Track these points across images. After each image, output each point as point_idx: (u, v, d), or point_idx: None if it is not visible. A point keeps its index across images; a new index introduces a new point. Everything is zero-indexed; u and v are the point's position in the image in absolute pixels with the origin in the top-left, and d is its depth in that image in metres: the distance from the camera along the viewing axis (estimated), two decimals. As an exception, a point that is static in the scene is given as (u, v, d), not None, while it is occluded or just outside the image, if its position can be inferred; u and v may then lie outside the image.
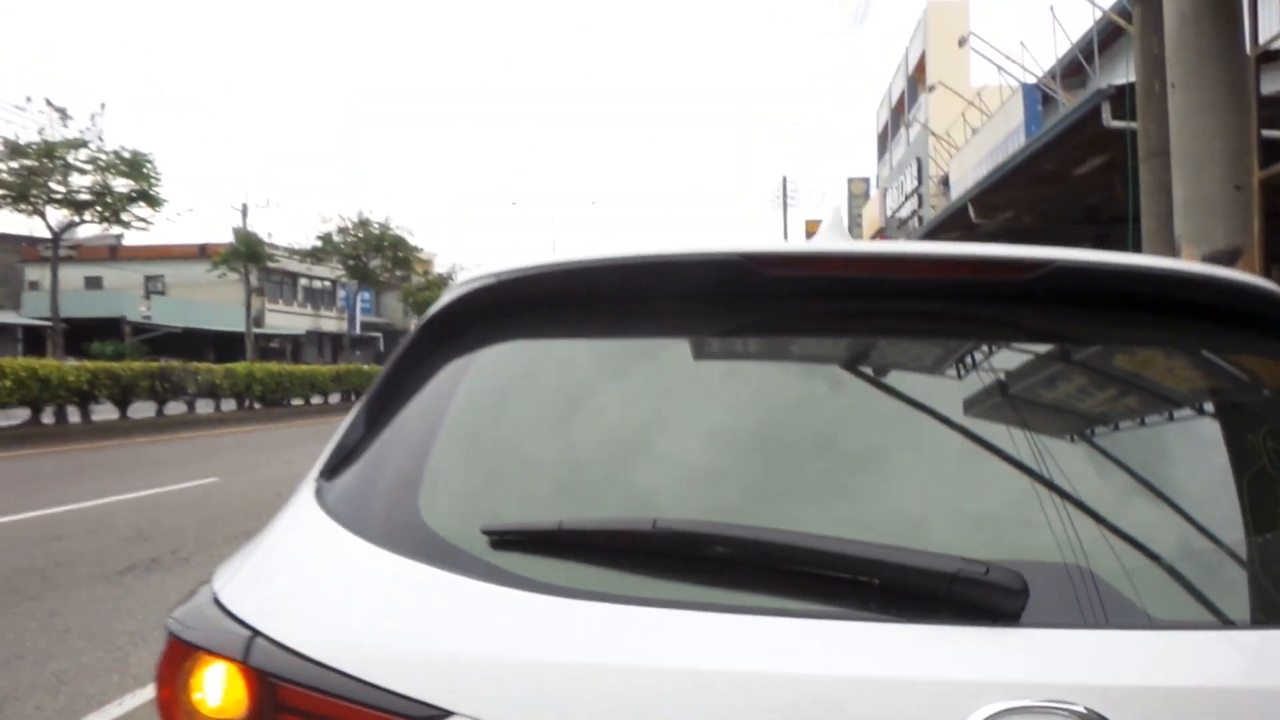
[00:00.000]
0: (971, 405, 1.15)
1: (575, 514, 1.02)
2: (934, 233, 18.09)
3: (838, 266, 1.25)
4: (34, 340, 35.85)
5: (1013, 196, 13.92)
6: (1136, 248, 9.21)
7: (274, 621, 1.01)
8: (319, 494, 1.22)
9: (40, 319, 34.64)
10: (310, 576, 1.11)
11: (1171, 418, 1.25)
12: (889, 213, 30.42)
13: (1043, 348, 1.26)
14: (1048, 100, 14.82)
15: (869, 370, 1.24)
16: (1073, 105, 9.62)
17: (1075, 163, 11.75)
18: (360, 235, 30.48)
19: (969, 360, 1.22)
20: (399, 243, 31.43)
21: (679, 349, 1.27)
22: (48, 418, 14.63)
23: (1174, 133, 6.11)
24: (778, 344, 1.32)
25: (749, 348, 1.32)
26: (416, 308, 47.18)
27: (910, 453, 1.12)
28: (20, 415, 14.41)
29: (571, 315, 1.28)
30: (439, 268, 56.39)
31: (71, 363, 15.93)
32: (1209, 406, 1.27)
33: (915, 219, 25.75)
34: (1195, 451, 1.21)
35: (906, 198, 26.99)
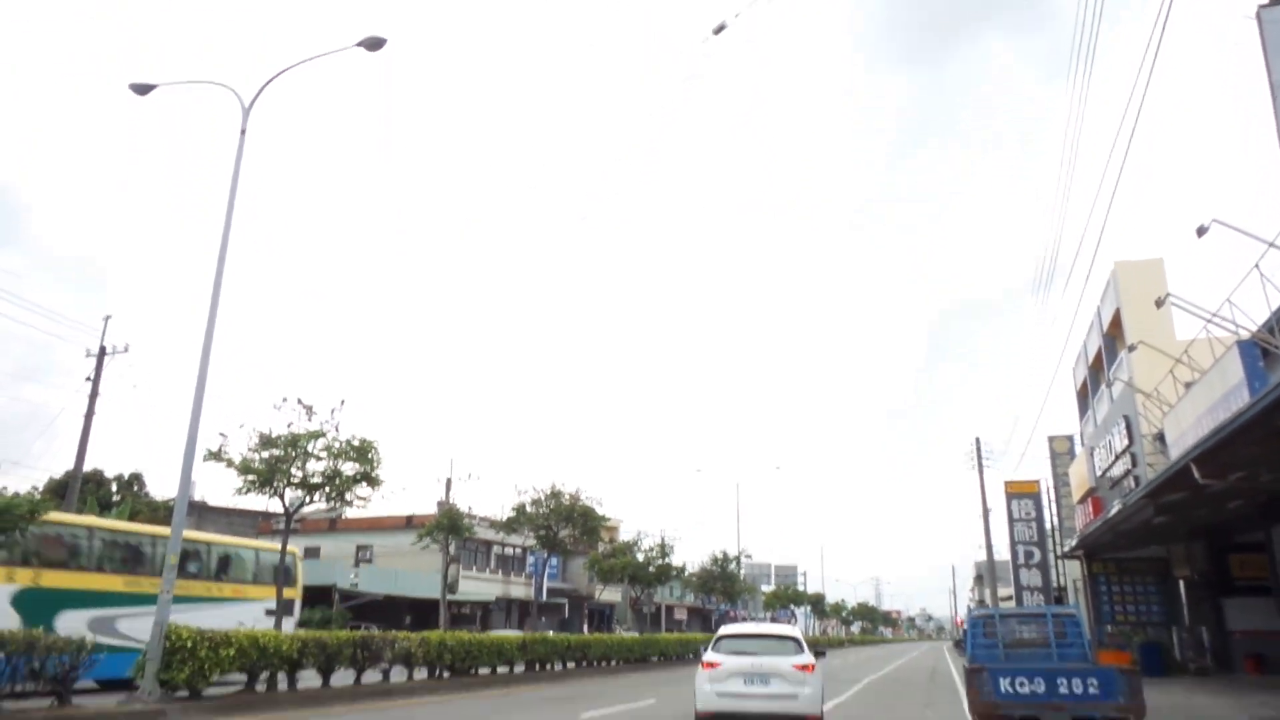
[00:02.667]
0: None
1: None
2: (1156, 493, 16.59)
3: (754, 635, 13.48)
4: (256, 606, 38.61)
5: (1245, 454, 12.69)
6: None
7: None
8: None
9: (264, 587, 37.47)
10: None
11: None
12: (1098, 472, 28.36)
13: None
14: (1267, 354, 13.86)
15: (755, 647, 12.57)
16: (1299, 358, 8.93)
17: (1314, 417, 10.69)
18: (552, 506, 31.61)
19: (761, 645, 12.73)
20: (588, 513, 32.28)
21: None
22: (260, 685, 15.36)
23: None
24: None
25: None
26: (602, 575, 47.32)
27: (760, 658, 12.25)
28: (237, 681, 15.23)
29: None
30: (624, 534, 57.06)
31: (286, 632, 16.89)
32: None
33: (1130, 479, 23.83)
34: None
35: (1117, 457, 25.20)
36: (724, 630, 13.89)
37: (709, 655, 12.60)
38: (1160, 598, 28.18)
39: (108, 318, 26.97)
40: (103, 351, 26.42)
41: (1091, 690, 8.81)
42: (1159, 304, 17.09)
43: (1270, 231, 12.68)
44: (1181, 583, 27.58)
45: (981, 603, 66.00)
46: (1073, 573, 37.83)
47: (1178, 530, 23.05)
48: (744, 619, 72.80)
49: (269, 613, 19.81)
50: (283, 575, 19.84)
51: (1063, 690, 8.88)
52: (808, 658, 12.30)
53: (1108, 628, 27.75)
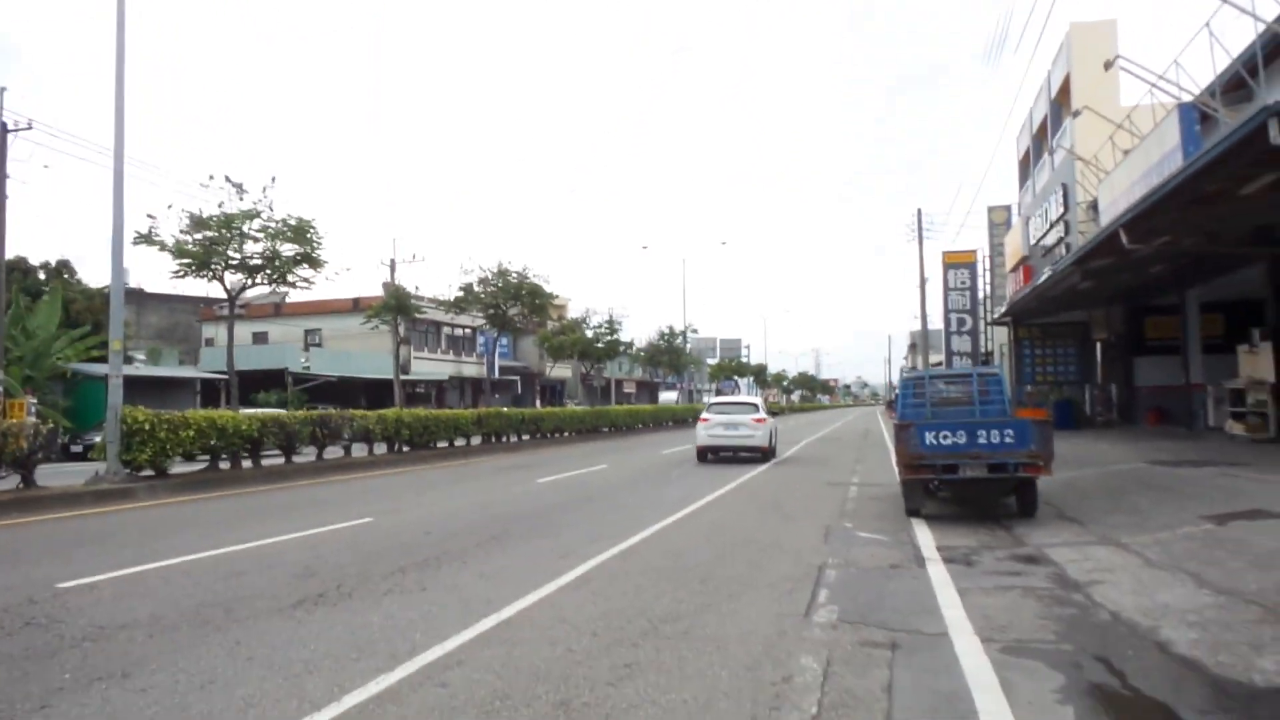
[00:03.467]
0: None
1: None
2: (1084, 259, 17.21)
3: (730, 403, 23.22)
4: (209, 392, 39.05)
5: (1170, 220, 13.08)
6: None
7: None
8: None
9: (216, 372, 37.72)
10: None
11: None
12: (1032, 240, 29.12)
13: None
14: (1206, 119, 13.93)
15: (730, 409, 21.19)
16: (1236, 123, 9.02)
17: (1242, 181, 10.98)
18: (499, 285, 31.67)
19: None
20: (536, 291, 32.47)
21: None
22: (223, 463, 15.86)
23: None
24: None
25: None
26: (552, 352, 48.48)
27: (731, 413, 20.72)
28: (201, 462, 15.69)
29: None
30: (573, 312, 57.92)
31: (244, 413, 17.22)
32: None
33: (1062, 246, 24.55)
34: None
35: (1051, 225, 25.78)
36: (711, 401, 25.77)
37: (704, 415, 20.90)
38: (1078, 359, 30.04)
39: (2, 90, 24.68)
40: (3, 128, 24.57)
41: (1007, 440, 9.55)
42: (1107, 66, 16.84)
43: (1227, -11, 12.33)
44: (1099, 345, 29.32)
45: (914, 368, 69.59)
46: (1000, 338, 39.83)
47: (1100, 295, 24.16)
48: (689, 391, 76.47)
49: None
50: None
51: (981, 441, 9.62)
52: (761, 414, 20.75)
53: (1028, 387, 29.68)
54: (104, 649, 4.98)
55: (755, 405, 21.73)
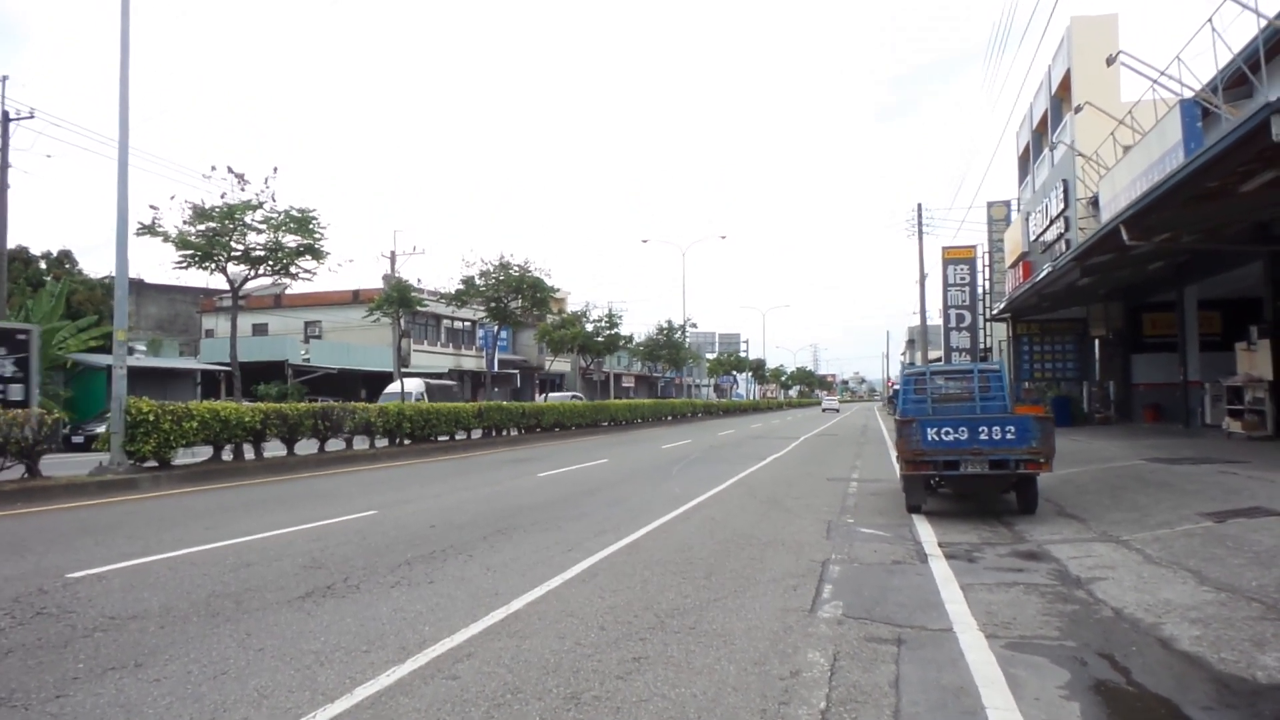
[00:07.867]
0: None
1: None
2: (1084, 255, 17.24)
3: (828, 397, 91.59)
4: (209, 383, 39.05)
5: (1171, 216, 13.12)
6: None
7: None
8: None
9: (216, 364, 37.71)
10: None
11: None
12: (1032, 236, 29.13)
13: None
14: (1208, 115, 13.95)
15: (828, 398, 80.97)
16: (1237, 120, 9.05)
17: (1242, 178, 11.02)
18: (501, 278, 31.62)
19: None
20: (537, 284, 32.39)
21: None
22: (226, 455, 15.90)
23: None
24: None
25: None
26: (552, 345, 48.46)
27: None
28: (204, 453, 15.73)
29: None
30: (572, 305, 57.89)
31: (246, 404, 17.25)
32: None
33: (1062, 242, 24.58)
34: None
35: (1051, 221, 25.80)
36: (824, 396, 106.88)
37: (823, 403, 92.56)
38: (1076, 355, 30.11)
39: (4, 78, 24.61)
40: (5, 117, 24.55)
41: (1008, 436, 9.60)
42: (1109, 62, 16.84)
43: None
44: (1097, 341, 29.37)
45: (913, 364, 69.66)
46: (999, 334, 39.89)
47: (1098, 292, 24.22)
48: (690, 386, 77.02)
49: None
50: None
51: (982, 437, 9.66)
52: (838, 401, 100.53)
53: (1025, 384, 29.73)
54: (116, 639, 5.02)
55: (838, 399, 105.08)
